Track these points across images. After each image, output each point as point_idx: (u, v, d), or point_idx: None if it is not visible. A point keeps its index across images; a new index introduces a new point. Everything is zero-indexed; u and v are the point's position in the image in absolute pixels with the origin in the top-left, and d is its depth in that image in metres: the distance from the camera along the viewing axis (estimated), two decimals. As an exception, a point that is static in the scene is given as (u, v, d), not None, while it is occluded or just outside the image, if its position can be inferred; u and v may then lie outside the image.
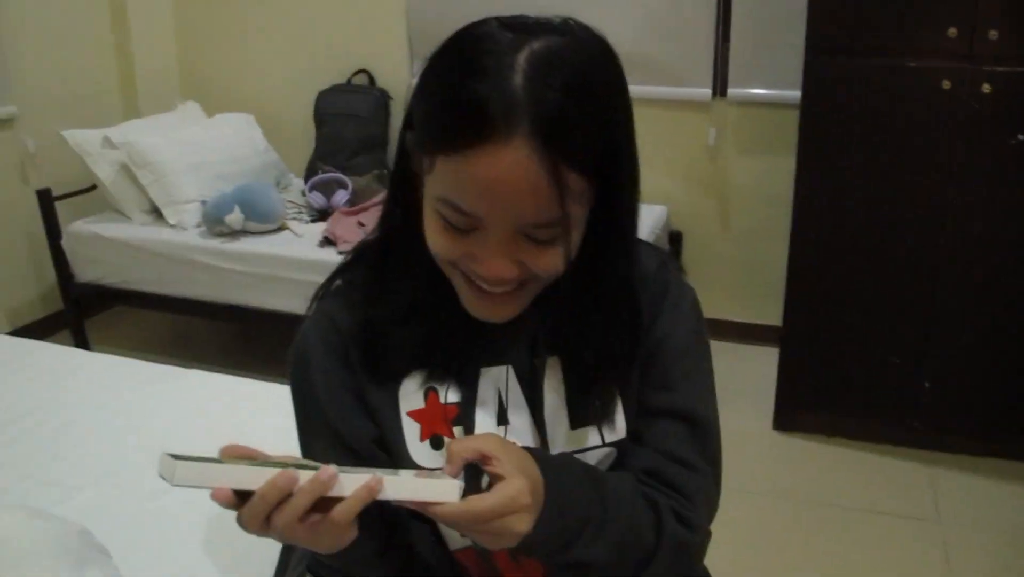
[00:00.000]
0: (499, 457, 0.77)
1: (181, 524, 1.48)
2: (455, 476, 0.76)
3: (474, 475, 0.79)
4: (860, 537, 2.41)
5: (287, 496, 0.71)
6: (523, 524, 0.76)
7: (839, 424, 2.86)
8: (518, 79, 0.73)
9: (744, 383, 3.17)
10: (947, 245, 2.53)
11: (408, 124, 0.84)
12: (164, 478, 0.68)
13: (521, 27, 0.77)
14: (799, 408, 2.89)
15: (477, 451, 0.77)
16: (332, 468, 0.72)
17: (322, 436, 0.94)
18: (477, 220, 0.77)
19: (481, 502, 0.74)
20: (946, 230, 2.52)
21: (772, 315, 3.29)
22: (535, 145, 0.72)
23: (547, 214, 0.76)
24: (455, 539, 0.96)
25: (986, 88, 2.34)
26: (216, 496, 0.70)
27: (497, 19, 0.79)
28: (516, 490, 0.75)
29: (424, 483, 0.74)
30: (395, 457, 0.92)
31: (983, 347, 2.61)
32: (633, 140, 0.82)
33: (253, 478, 0.70)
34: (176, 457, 0.67)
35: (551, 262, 0.81)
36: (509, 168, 0.73)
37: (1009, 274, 2.52)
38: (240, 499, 0.70)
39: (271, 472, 0.70)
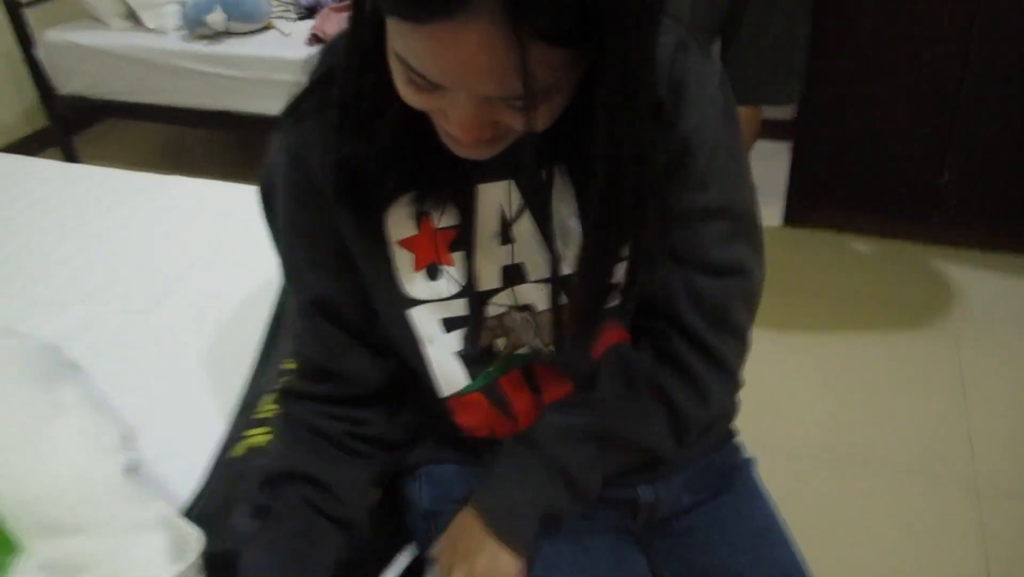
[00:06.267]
0: None
1: (168, 340, 1.44)
2: None
3: None
4: (870, 331, 2.38)
5: None
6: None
7: (853, 219, 2.78)
8: None
9: (755, 178, 3.07)
10: (978, 33, 2.35)
11: None
12: None
13: None
14: (812, 202, 2.80)
15: None
16: None
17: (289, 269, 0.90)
18: (440, 86, 0.64)
19: None
20: (978, 16, 2.33)
21: (785, 109, 3.14)
22: (499, 19, 0.58)
23: (513, 90, 0.62)
24: (449, 381, 0.90)
25: None
26: None
27: None
28: None
29: None
30: (388, 293, 0.84)
31: (1007, 140, 2.47)
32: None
33: None
34: None
35: (534, 121, 0.67)
36: (469, 46, 0.59)
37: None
38: None
39: None
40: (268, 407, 1.10)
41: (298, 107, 0.82)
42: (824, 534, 1.80)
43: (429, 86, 0.65)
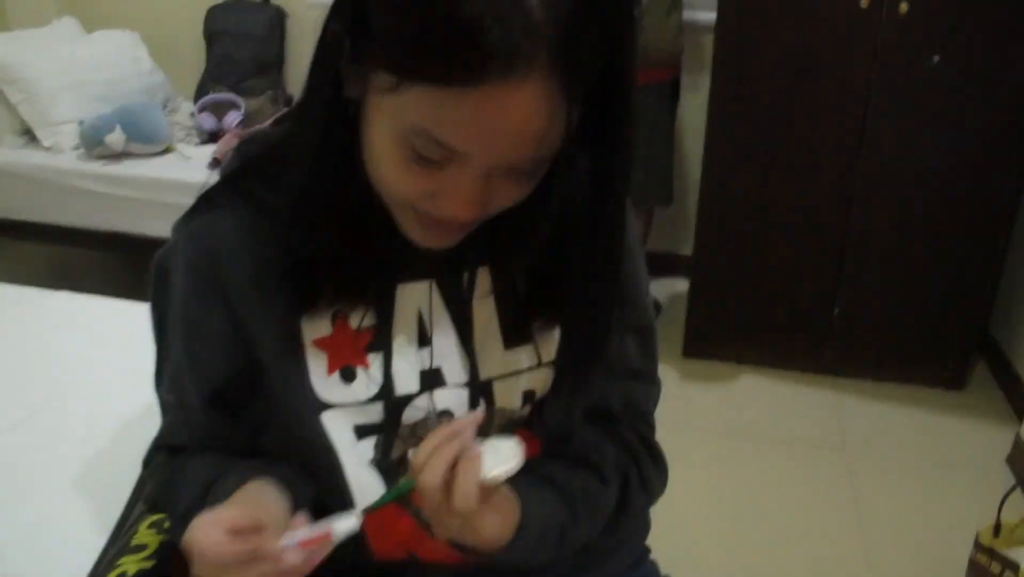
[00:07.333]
0: None
1: (36, 460, 1.33)
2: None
3: None
4: (768, 465, 2.39)
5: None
6: (494, 528, 0.73)
7: (749, 352, 2.84)
8: None
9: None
10: (862, 170, 2.49)
11: (349, 16, 0.63)
12: None
13: None
14: (709, 335, 2.85)
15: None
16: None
17: (176, 362, 0.83)
18: (460, 156, 0.62)
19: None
20: (861, 155, 2.48)
21: (685, 245, 3.24)
22: (553, 80, 0.57)
23: (548, 151, 0.63)
24: (363, 493, 0.82)
25: (903, 8, 2.28)
26: None
27: None
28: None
29: None
30: (300, 396, 0.78)
31: (894, 273, 2.60)
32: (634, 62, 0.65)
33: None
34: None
35: (518, 194, 0.67)
36: (521, 108, 0.58)
37: (922, 199, 2.50)
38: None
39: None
40: (145, 532, 1.01)
41: (210, 198, 0.79)
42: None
43: (440, 158, 0.62)
